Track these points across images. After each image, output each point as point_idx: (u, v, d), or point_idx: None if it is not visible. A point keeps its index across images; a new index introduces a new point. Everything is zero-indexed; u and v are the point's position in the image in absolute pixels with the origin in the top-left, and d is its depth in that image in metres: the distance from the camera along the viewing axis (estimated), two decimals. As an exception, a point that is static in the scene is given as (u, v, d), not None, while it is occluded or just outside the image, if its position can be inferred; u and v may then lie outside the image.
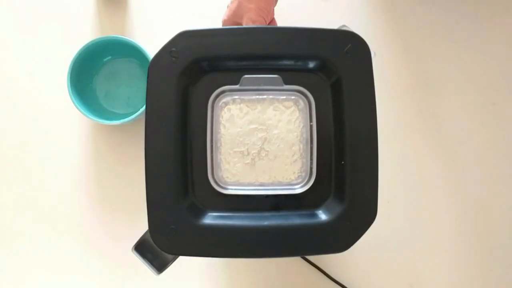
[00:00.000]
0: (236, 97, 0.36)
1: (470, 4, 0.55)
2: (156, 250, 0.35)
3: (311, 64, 0.35)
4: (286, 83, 0.35)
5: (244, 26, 0.41)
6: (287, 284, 0.51)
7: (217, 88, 0.36)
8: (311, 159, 0.35)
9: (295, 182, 0.36)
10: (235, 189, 0.35)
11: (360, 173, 0.33)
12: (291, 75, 0.35)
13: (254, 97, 0.36)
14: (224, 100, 0.36)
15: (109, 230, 0.52)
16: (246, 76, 0.35)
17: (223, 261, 0.52)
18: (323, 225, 0.33)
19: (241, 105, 0.36)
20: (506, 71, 0.54)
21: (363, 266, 0.51)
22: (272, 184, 0.36)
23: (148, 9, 0.55)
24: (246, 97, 0.36)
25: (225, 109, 0.36)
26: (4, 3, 0.55)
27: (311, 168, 0.35)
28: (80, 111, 0.48)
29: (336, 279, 0.50)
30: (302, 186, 0.35)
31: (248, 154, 0.36)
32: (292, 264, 0.51)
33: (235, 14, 0.42)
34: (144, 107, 0.43)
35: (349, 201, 0.33)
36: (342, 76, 0.33)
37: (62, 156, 0.53)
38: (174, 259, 0.36)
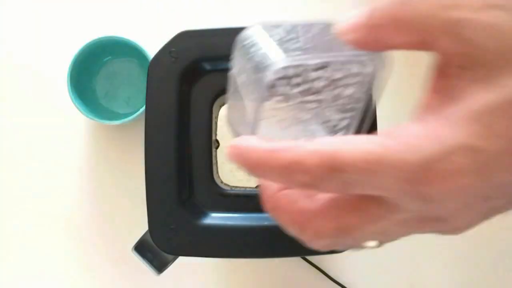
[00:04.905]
0: None
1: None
2: (156, 250, 0.35)
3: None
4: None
5: (244, 26, 0.41)
6: (287, 284, 0.51)
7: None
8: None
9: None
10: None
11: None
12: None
13: None
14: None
15: (109, 230, 0.52)
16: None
17: (223, 261, 0.52)
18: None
19: None
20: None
21: (363, 266, 0.51)
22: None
23: (148, 9, 0.55)
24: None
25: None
26: (4, 3, 0.55)
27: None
28: (80, 111, 0.48)
29: (336, 279, 0.50)
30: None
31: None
32: (292, 264, 0.51)
33: None
34: (144, 107, 0.43)
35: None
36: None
37: (62, 156, 0.53)
38: (174, 259, 0.36)
